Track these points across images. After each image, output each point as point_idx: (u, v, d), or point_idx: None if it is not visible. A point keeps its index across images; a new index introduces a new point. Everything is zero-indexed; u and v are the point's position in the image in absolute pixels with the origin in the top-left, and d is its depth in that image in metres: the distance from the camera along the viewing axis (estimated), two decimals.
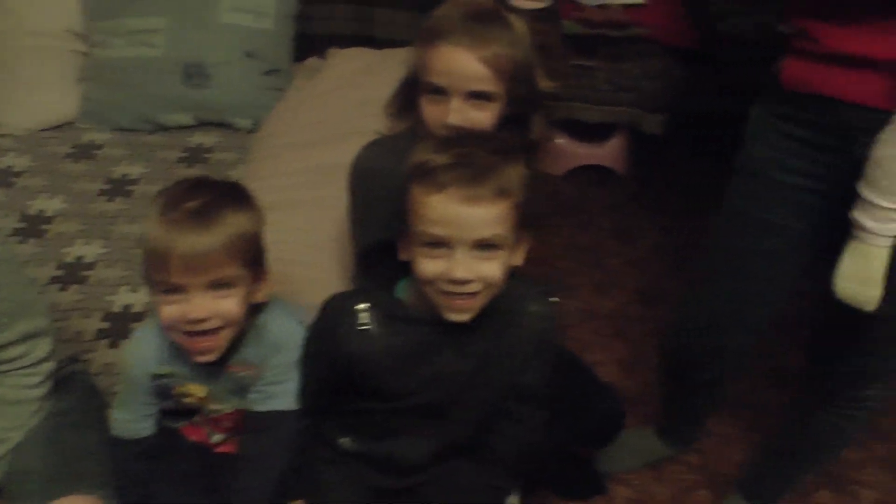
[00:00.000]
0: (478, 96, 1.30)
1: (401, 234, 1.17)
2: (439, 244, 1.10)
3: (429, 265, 1.12)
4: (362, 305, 1.20)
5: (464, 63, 1.28)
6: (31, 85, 2.29)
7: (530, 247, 1.20)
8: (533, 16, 2.21)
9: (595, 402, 1.56)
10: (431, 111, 1.32)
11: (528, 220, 1.17)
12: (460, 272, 1.10)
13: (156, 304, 1.19)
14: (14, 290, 1.27)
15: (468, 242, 1.10)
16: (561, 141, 2.82)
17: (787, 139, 1.35)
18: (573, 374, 1.61)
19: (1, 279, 1.24)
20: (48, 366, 1.34)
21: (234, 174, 2.12)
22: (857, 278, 1.26)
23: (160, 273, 1.14)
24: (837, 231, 1.29)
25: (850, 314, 1.30)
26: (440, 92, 1.31)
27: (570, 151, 2.84)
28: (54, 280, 1.78)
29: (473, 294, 1.13)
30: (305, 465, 1.33)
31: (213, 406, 1.33)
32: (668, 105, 2.60)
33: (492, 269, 1.12)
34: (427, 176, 1.09)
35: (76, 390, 1.40)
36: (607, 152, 2.87)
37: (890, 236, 1.23)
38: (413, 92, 1.36)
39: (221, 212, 1.16)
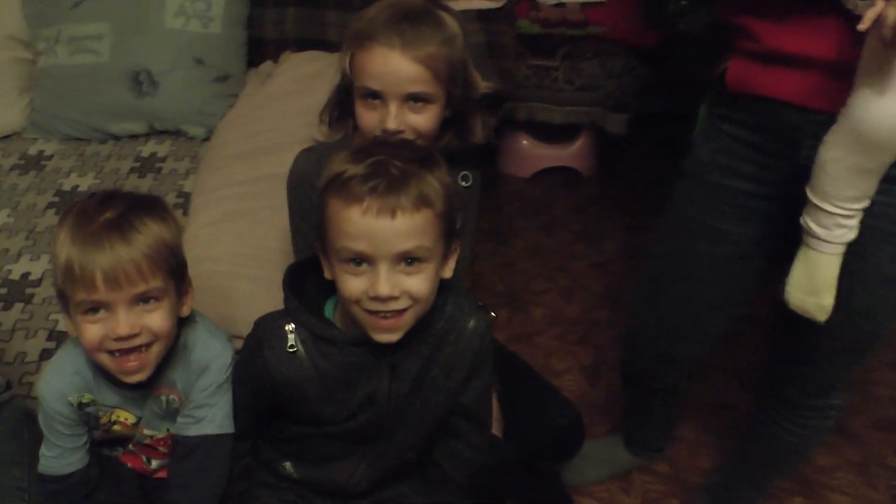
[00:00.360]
0: (415, 99, 1.25)
1: (323, 251, 1.11)
2: (361, 260, 1.04)
3: (351, 283, 1.05)
4: (290, 326, 1.14)
5: (398, 65, 1.22)
6: None
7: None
8: (484, 15, 2.16)
9: (552, 415, 1.52)
10: (368, 116, 1.27)
11: (453, 230, 1.11)
12: (384, 288, 1.03)
13: (77, 327, 1.12)
14: None
15: (390, 256, 1.03)
16: (525, 143, 2.79)
17: (734, 142, 1.31)
18: (529, 386, 1.56)
19: None
20: None
21: (187, 184, 2.06)
22: (807, 287, 1.21)
23: (82, 292, 1.08)
24: (790, 238, 1.24)
25: (805, 323, 1.25)
26: (376, 96, 1.25)
27: (535, 153, 2.81)
28: None
29: (401, 312, 1.06)
30: (248, 490, 1.28)
31: (146, 432, 1.27)
32: (630, 104, 2.58)
33: (418, 283, 1.06)
34: (342, 188, 1.03)
35: (7, 421, 1.34)
36: (572, 154, 2.84)
37: (839, 243, 1.18)
38: (347, 98, 1.31)
39: (141, 220, 1.10)
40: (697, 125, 1.39)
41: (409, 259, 1.04)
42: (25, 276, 1.78)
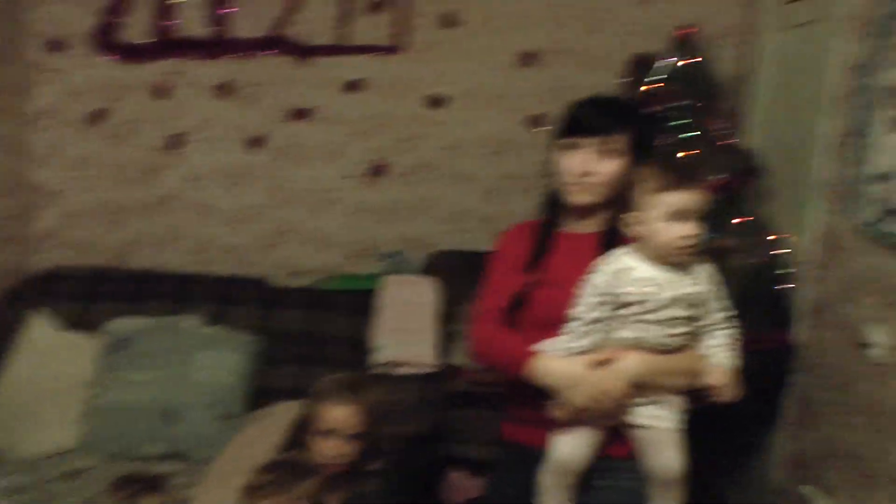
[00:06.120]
0: (352, 436, 2.04)
1: None
2: None
3: None
4: None
5: (344, 415, 2.05)
6: (43, 421, 3.00)
7: None
8: (422, 377, 3.00)
9: None
10: (325, 447, 2.06)
11: None
12: None
13: None
14: None
15: None
16: (457, 475, 3.42)
17: None
18: None
19: None
20: None
21: (189, 493, 2.71)
22: None
23: None
24: None
25: None
26: (328, 433, 2.03)
27: (466, 484, 3.38)
28: None
29: None
30: None
31: None
32: None
33: None
34: (254, 490, 1.85)
35: None
36: None
37: None
38: (304, 432, 2.09)
39: None
40: None
41: None
42: None
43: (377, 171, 3.77)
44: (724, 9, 3.55)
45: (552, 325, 1.90)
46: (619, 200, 1.89)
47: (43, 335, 3.23)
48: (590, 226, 1.99)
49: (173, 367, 3.08)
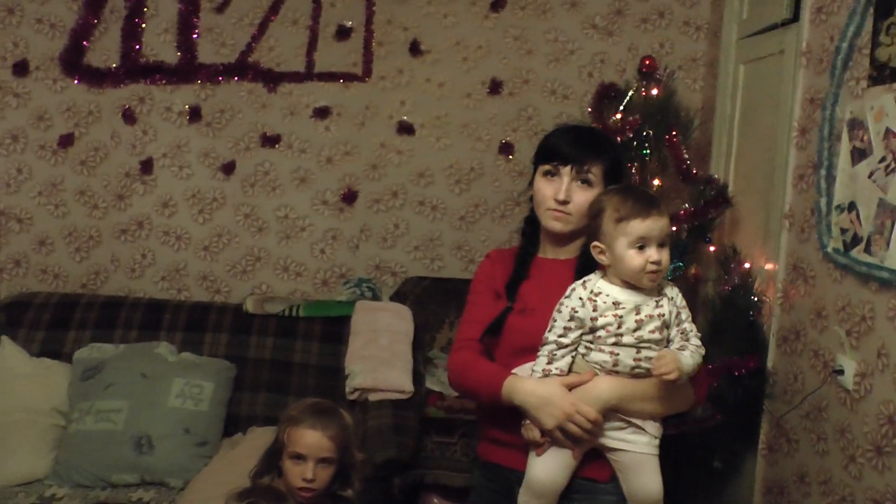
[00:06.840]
0: (324, 461, 2.03)
1: None
2: None
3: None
4: None
5: (316, 439, 2.04)
6: (14, 449, 2.96)
7: None
8: (395, 403, 3.02)
9: None
10: (293, 472, 2.04)
11: None
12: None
13: None
14: None
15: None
16: (435, 501, 3.45)
17: None
18: None
19: None
20: None
21: None
22: None
23: None
24: None
25: None
26: (300, 457, 2.04)
27: None
28: None
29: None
30: None
31: None
32: None
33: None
34: None
35: None
36: None
37: None
38: (277, 457, 2.09)
39: None
40: None
41: None
42: None
43: (347, 198, 3.80)
44: (688, 41, 3.67)
45: (529, 351, 1.93)
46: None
47: (13, 363, 3.18)
48: (566, 252, 2.04)
49: (146, 395, 3.06)
